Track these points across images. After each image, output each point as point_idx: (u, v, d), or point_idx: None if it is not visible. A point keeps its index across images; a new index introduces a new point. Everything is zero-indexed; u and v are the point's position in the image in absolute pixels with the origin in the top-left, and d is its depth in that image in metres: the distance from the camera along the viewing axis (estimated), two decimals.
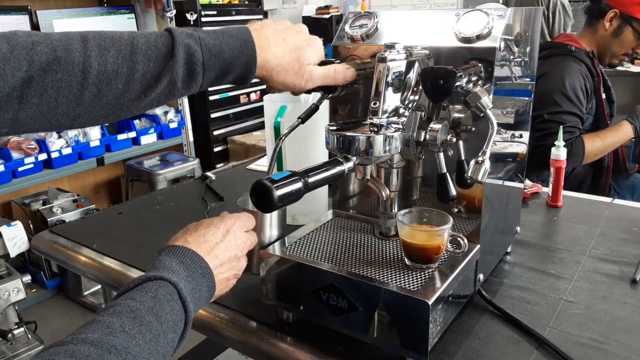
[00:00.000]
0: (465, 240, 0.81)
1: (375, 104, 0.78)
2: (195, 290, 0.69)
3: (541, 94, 1.80)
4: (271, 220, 0.87)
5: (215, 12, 3.48)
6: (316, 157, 1.15)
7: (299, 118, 0.89)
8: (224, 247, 0.76)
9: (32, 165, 2.73)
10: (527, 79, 0.99)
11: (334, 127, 0.78)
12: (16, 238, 2.35)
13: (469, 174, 0.75)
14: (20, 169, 2.68)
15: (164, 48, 0.67)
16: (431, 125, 0.80)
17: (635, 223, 1.25)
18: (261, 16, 3.78)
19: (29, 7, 2.87)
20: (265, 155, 1.77)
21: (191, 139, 3.52)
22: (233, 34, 0.73)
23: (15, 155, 2.67)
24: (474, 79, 0.79)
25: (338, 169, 0.72)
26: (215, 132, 3.80)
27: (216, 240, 0.75)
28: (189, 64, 0.69)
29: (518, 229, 1.13)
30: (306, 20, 4.61)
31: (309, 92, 0.85)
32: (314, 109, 0.89)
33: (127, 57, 0.65)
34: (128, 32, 0.68)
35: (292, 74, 0.78)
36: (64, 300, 2.85)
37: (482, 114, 0.77)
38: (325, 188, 1.25)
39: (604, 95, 1.93)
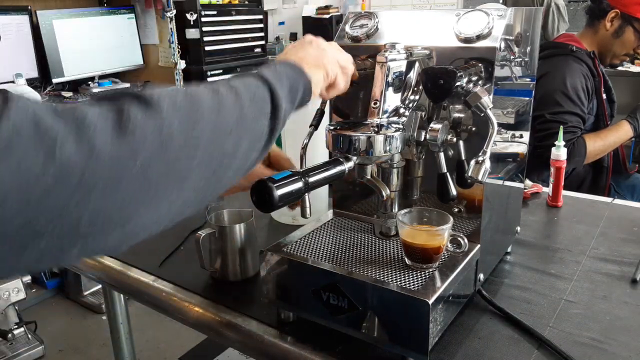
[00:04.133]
0: (466, 240, 0.81)
1: (375, 104, 0.78)
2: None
3: (542, 94, 1.80)
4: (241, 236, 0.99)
5: (215, 12, 3.48)
6: (316, 157, 1.15)
7: (311, 125, 0.88)
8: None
9: None
10: (528, 79, 0.99)
11: (334, 127, 0.78)
12: None
13: (469, 174, 0.75)
14: None
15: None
16: (431, 125, 0.80)
17: (635, 223, 1.25)
18: (261, 16, 3.76)
19: (29, 7, 2.87)
20: None
21: None
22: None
23: None
24: (474, 79, 0.80)
25: (338, 169, 0.72)
26: None
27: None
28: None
29: (518, 229, 1.13)
30: (306, 20, 4.60)
31: None
32: (320, 113, 0.89)
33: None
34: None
35: None
36: (64, 300, 2.85)
37: (482, 114, 0.77)
38: (325, 188, 1.25)
39: (604, 96, 1.93)
